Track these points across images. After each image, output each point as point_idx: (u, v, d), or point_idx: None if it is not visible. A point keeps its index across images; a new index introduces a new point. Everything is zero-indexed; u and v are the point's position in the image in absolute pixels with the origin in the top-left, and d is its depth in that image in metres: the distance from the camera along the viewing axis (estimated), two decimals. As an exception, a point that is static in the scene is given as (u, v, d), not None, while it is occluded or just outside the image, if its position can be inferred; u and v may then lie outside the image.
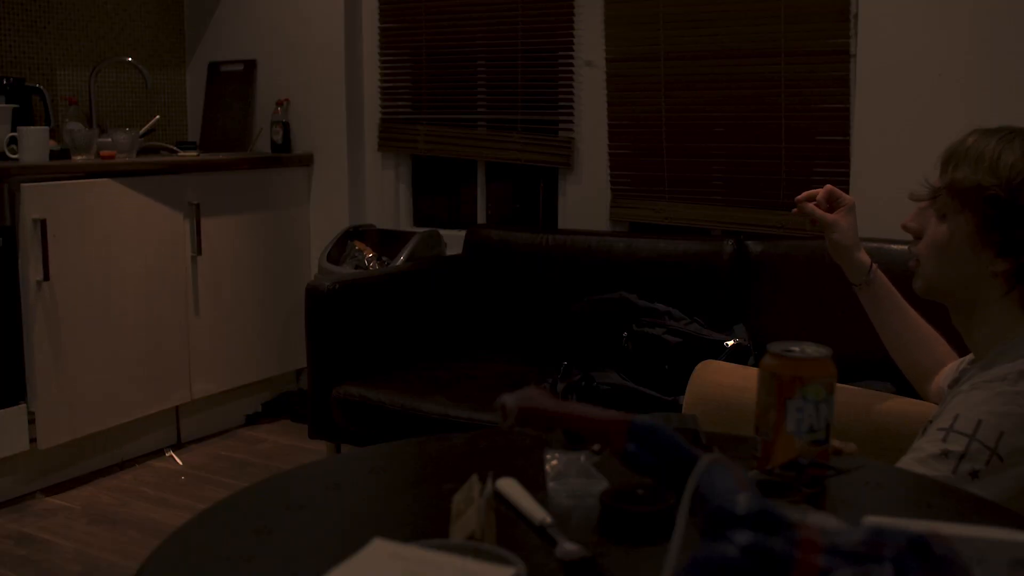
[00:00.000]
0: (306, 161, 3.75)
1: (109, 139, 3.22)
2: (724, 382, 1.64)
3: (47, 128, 3.07)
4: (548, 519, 0.96)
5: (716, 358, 2.28)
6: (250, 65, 3.87)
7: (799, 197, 1.64)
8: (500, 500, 1.02)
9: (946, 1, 2.64)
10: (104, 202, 3.03)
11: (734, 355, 2.37)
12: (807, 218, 1.62)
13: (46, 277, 2.84)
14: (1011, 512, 1.02)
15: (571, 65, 3.30)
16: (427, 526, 1.00)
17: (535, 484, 1.06)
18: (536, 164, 3.44)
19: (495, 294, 3.22)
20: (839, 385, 1.11)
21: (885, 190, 2.75)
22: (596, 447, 0.93)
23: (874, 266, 1.62)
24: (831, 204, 1.62)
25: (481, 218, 3.69)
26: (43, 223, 2.82)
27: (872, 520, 0.72)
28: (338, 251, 3.42)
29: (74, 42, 3.64)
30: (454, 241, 3.44)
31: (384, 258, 3.38)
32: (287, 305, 3.67)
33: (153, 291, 3.18)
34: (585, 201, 3.35)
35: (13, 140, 2.96)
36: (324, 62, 3.69)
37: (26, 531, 2.69)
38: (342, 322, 2.83)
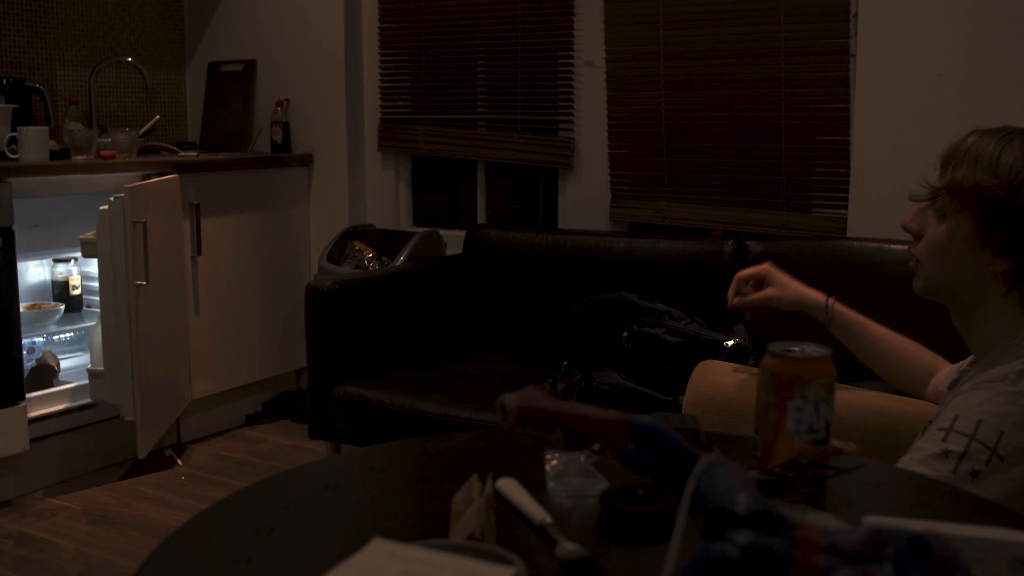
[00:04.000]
0: (306, 161, 3.75)
1: (109, 139, 3.21)
2: (724, 382, 1.64)
3: (47, 128, 3.08)
4: (548, 519, 0.96)
5: (716, 358, 2.28)
6: (250, 65, 3.87)
7: (735, 304, 1.74)
8: (500, 500, 1.02)
9: (946, 1, 2.64)
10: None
11: (734, 355, 2.37)
12: (756, 309, 1.73)
13: (146, 279, 2.89)
14: (1011, 512, 1.02)
15: (571, 65, 3.30)
16: (427, 526, 1.00)
17: (535, 484, 1.06)
18: (536, 164, 3.44)
19: (495, 294, 3.22)
20: (839, 385, 1.11)
21: (885, 190, 2.75)
22: (596, 447, 0.93)
23: (830, 300, 1.66)
24: (757, 285, 1.72)
25: (481, 218, 3.69)
26: (144, 225, 2.87)
27: (872, 520, 0.73)
28: (338, 251, 3.42)
29: (74, 42, 3.64)
30: (454, 241, 3.44)
31: (384, 258, 3.38)
32: (287, 305, 3.67)
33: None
34: (585, 201, 3.35)
35: (13, 140, 2.96)
36: (324, 62, 3.69)
37: (26, 531, 2.69)
38: (342, 322, 2.83)
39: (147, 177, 3.18)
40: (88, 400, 3.08)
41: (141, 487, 3.03)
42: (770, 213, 2.99)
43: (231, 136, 3.89)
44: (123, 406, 2.92)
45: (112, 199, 2.84)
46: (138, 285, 2.85)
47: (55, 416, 2.99)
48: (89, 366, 3.09)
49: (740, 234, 2.98)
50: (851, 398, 1.53)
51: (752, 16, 2.93)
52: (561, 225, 3.40)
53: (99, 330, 3.05)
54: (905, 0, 2.70)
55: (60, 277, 3.43)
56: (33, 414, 2.91)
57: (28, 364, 3.09)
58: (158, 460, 3.25)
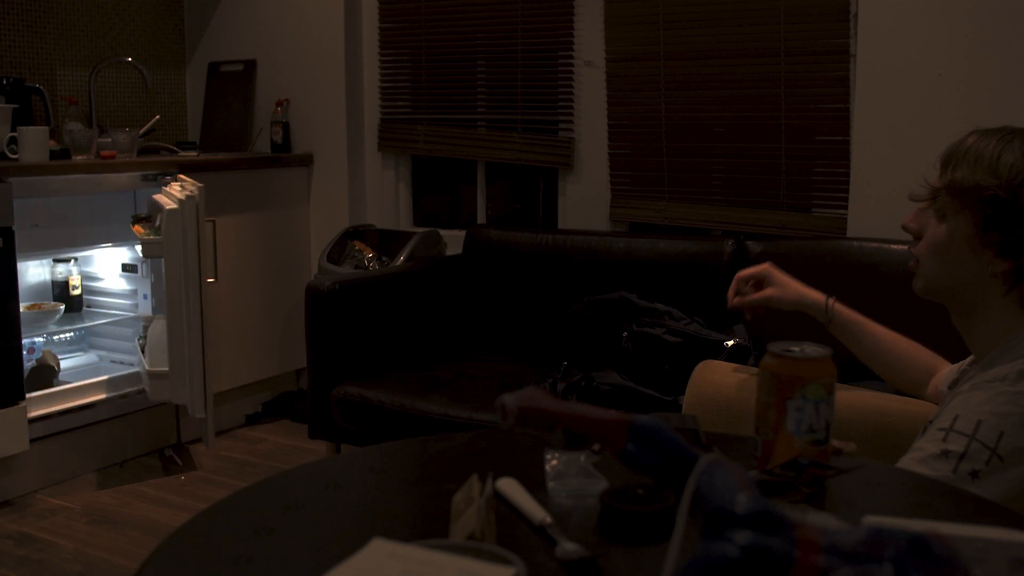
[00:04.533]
0: (306, 161, 3.75)
1: (109, 139, 3.21)
2: (724, 382, 1.64)
3: (47, 128, 3.08)
4: (548, 519, 0.96)
5: (716, 358, 2.28)
6: (250, 65, 3.87)
7: (735, 304, 1.74)
8: (500, 500, 1.02)
9: (946, 1, 2.64)
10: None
11: (734, 355, 2.37)
12: (756, 309, 1.73)
13: (215, 276, 3.04)
14: (1011, 512, 1.02)
15: (571, 65, 3.30)
16: (427, 526, 1.00)
17: (535, 484, 1.06)
18: (536, 164, 3.44)
19: (495, 294, 3.22)
20: (839, 385, 1.11)
21: (885, 190, 2.75)
22: (596, 447, 0.93)
23: (830, 300, 1.66)
24: (757, 285, 1.72)
25: (481, 218, 3.69)
26: (213, 223, 3.01)
27: (872, 520, 0.73)
28: (338, 251, 3.42)
29: (74, 42, 3.64)
30: (454, 241, 3.44)
31: (384, 258, 3.38)
32: (287, 305, 3.67)
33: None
34: (585, 201, 3.35)
35: (13, 140, 2.96)
36: (324, 62, 3.69)
37: (26, 531, 2.69)
38: (342, 322, 2.83)
39: (147, 178, 3.19)
40: (88, 400, 3.09)
41: (141, 487, 3.03)
42: (770, 213, 2.99)
43: (231, 136, 3.89)
44: (193, 404, 2.94)
45: (184, 198, 2.86)
46: (209, 283, 2.93)
47: (55, 416, 2.99)
48: (147, 367, 3.03)
49: (740, 234, 2.98)
50: (851, 398, 1.53)
51: (752, 16, 2.93)
52: (561, 225, 3.40)
53: (157, 330, 3.04)
54: (905, 0, 2.70)
55: (60, 277, 3.43)
56: (33, 414, 2.91)
57: (28, 364, 3.09)
58: (159, 460, 3.26)
